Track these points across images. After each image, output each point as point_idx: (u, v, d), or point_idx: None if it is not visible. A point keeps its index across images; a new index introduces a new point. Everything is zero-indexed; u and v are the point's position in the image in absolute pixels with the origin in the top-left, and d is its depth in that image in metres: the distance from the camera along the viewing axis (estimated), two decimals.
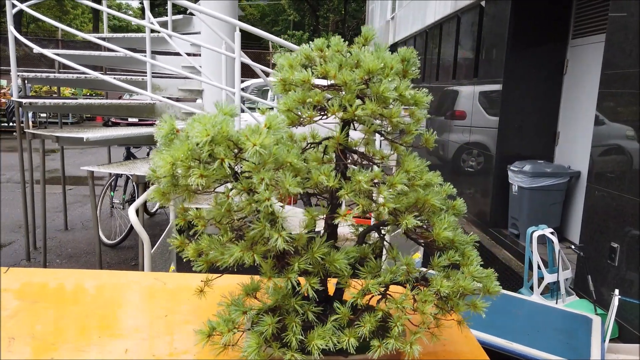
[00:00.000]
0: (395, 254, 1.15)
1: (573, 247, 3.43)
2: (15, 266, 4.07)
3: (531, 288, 3.45)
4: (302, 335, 0.99)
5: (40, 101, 3.42)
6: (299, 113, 1.05)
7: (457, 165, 6.87)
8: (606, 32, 3.60)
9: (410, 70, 1.07)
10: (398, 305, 1.02)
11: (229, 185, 0.99)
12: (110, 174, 4.55)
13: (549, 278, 3.34)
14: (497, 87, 5.55)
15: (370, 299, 1.11)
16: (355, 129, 1.17)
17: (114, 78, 3.73)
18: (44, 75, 3.85)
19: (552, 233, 3.37)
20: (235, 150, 0.96)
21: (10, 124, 13.31)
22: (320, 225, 1.14)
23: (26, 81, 3.77)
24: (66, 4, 32.78)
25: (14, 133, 12.95)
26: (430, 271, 1.11)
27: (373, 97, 1.02)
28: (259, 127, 0.96)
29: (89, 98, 13.62)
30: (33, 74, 3.78)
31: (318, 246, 1.03)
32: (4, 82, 12.64)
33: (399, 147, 1.20)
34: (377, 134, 1.24)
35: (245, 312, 1.02)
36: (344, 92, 1.03)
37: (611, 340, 3.04)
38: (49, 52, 3.87)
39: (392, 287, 1.10)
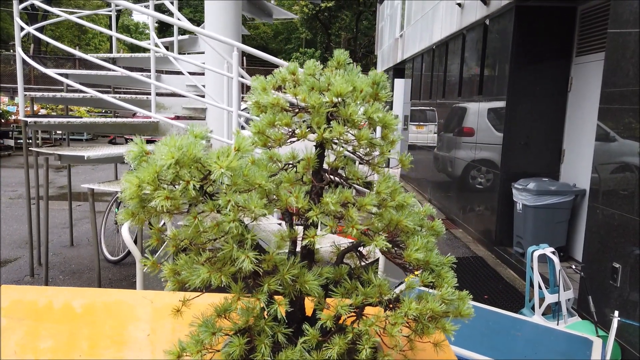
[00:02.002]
0: (371, 275, 1.15)
1: (574, 267, 3.38)
2: (19, 282, 4.12)
3: (532, 308, 3.39)
4: (271, 357, 0.99)
5: (45, 120, 3.50)
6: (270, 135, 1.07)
7: (466, 182, 6.84)
8: (605, 50, 3.59)
9: (381, 93, 1.08)
10: (367, 328, 1.02)
11: (199, 207, 1.00)
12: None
13: (550, 298, 3.28)
14: (501, 104, 5.55)
15: (345, 319, 1.10)
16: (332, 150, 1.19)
17: (119, 97, 3.80)
18: (51, 94, 3.94)
19: (553, 252, 3.32)
20: (206, 172, 0.98)
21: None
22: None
23: (33, 100, 3.87)
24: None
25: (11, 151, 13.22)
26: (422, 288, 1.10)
27: (341, 119, 1.03)
28: (229, 149, 0.98)
29: (102, 115, 13.87)
30: (40, 94, 3.88)
31: (288, 267, 1.03)
32: (17, 100, 12.95)
33: (378, 168, 1.21)
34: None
35: (214, 333, 1.02)
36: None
37: None
38: (51, 72, 3.96)
39: (372, 308, 1.10)
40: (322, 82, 1.09)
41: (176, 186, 0.94)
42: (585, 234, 3.63)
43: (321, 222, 1.06)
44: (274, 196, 1.05)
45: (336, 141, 1.09)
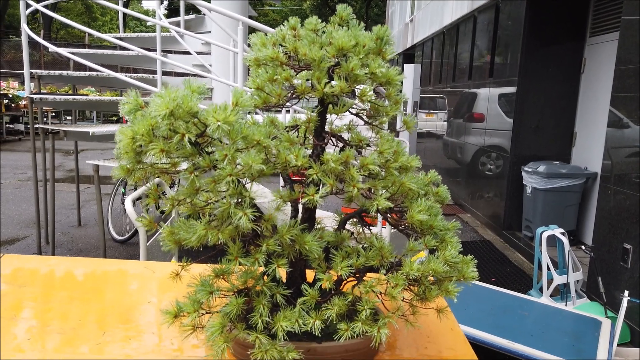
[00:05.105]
0: (372, 239, 1.12)
1: (584, 247, 3.33)
2: None
3: (540, 290, 3.36)
4: (269, 318, 0.97)
5: (50, 97, 3.49)
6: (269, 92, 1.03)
7: (475, 167, 6.77)
8: (620, 27, 3.50)
9: (384, 48, 1.04)
10: (368, 289, 0.99)
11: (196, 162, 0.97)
12: None
13: (559, 279, 3.24)
14: (512, 87, 5.46)
15: (344, 285, 1.08)
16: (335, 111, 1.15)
17: (126, 76, 3.78)
18: (57, 72, 3.94)
19: (562, 233, 3.28)
20: (202, 128, 0.95)
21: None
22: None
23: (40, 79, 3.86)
24: (95, 11, 33.69)
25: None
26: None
27: (343, 75, 1.00)
28: (226, 104, 0.95)
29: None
30: (47, 72, 3.87)
31: (288, 228, 1.00)
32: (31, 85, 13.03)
33: (381, 131, 1.17)
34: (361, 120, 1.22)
35: (212, 292, 1.00)
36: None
37: (623, 345, 2.94)
38: (64, 51, 3.95)
39: (373, 275, 1.07)
40: (324, 39, 1.06)
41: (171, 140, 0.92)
42: (595, 215, 3.57)
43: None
44: (274, 155, 1.02)
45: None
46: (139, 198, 2.50)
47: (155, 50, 4.02)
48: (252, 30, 3.24)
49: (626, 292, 2.50)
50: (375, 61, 1.01)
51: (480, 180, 6.59)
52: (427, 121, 10.40)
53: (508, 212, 5.49)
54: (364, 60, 1.02)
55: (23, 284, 1.44)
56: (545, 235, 3.30)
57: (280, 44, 1.09)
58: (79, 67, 6.45)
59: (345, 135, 1.18)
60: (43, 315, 1.21)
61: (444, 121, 9.02)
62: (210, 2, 4.22)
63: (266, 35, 1.11)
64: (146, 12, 41.48)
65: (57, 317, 1.20)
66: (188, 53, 4.54)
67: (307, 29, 1.08)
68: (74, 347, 1.06)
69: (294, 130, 1.16)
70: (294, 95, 1.08)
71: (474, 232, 5.93)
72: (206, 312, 1.00)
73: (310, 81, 1.05)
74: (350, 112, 1.16)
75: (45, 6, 3.93)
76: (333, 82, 1.04)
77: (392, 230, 3.22)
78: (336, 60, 1.02)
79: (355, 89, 1.10)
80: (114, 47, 5.00)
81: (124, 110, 0.95)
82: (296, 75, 1.07)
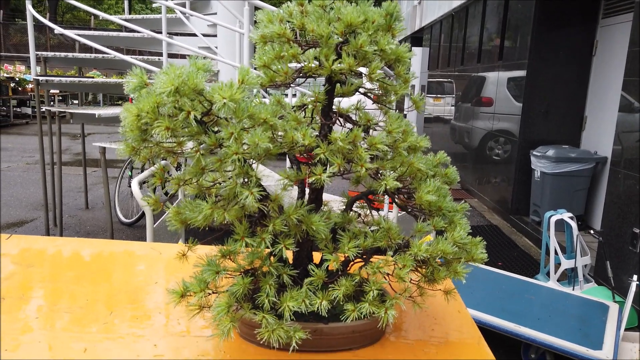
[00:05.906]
0: (380, 220, 1.11)
1: (592, 231, 3.30)
2: None
3: (547, 274, 3.34)
4: (275, 298, 0.96)
5: (56, 79, 3.48)
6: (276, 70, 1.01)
7: (483, 152, 6.72)
8: (634, 8, 3.42)
9: (394, 25, 1.02)
10: (375, 270, 0.98)
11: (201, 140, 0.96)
12: None
13: (566, 264, 3.22)
14: (522, 70, 5.38)
15: (351, 266, 1.07)
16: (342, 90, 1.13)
17: (131, 57, 3.76)
18: (63, 54, 3.92)
19: (571, 218, 3.25)
20: (208, 106, 0.93)
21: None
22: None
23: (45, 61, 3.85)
24: None
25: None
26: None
27: (351, 52, 0.98)
28: (232, 82, 0.93)
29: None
30: (52, 54, 3.84)
31: (295, 208, 0.99)
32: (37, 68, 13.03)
33: (390, 111, 1.15)
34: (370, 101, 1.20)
35: (218, 272, 0.99)
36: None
37: (631, 329, 2.92)
38: (69, 33, 3.92)
39: (379, 257, 1.06)
40: (332, 15, 1.03)
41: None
42: (605, 199, 3.54)
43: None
44: (280, 134, 1.01)
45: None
46: (146, 180, 2.50)
47: (161, 32, 3.98)
48: (258, 10, 3.20)
49: (635, 277, 2.48)
50: (384, 38, 0.98)
51: (488, 165, 6.54)
52: (435, 105, 10.31)
53: (516, 197, 5.46)
54: (373, 37, 0.99)
55: (31, 264, 1.45)
56: (553, 219, 3.27)
57: (287, 21, 1.07)
58: (85, 50, 6.43)
59: (353, 117, 1.16)
60: (51, 295, 1.22)
61: (452, 105, 8.93)
62: None
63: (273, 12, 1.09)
64: None
65: (65, 296, 1.20)
66: (194, 35, 4.50)
67: (315, 4, 1.05)
68: (82, 326, 1.06)
69: (301, 110, 1.15)
70: (301, 74, 1.05)
71: (480, 216, 5.91)
72: (213, 292, 1.00)
73: (317, 59, 1.03)
74: (358, 92, 1.14)
75: None
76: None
77: (399, 214, 3.21)
78: (344, 37, 1.00)
79: (363, 70, 1.08)
80: (120, 29, 4.96)
81: (129, 87, 0.93)
82: (303, 52, 1.05)
